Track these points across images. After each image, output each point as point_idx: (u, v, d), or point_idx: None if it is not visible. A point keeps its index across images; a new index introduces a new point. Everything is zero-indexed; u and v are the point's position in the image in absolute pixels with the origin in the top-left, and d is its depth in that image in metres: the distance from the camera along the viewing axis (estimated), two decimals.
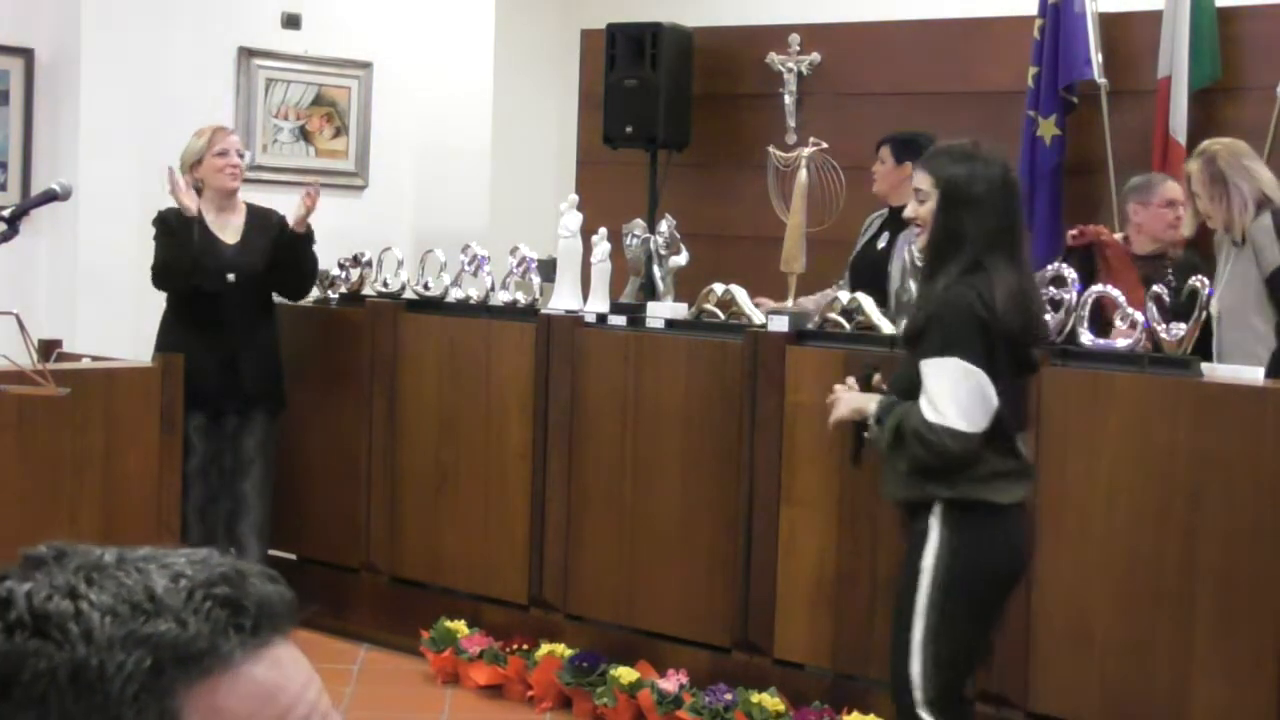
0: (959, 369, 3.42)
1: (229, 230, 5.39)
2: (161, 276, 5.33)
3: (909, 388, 3.54)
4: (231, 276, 5.31)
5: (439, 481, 5.47)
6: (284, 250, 5.40)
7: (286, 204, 5.77)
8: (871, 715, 4.43)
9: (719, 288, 4.93)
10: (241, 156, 5.46)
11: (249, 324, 5.39)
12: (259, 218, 5.46)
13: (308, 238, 5.45)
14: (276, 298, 5.55)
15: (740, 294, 4.92)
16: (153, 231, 5.38)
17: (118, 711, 0.83)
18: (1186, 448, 4.02)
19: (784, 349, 4.68)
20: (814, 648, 4.66)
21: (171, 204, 5.44)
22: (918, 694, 3.51)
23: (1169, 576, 4.05)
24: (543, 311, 5.25)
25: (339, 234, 6.59)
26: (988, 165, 3.56)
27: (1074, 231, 5.46)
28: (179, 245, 5.23)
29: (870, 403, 3.63)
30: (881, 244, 5.55)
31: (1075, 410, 4.19)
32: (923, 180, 3.62)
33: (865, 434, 3.65)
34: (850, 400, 3.70)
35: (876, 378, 3.78)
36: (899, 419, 3.49)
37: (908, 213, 3.68)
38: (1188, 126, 5.98)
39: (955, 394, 3.42)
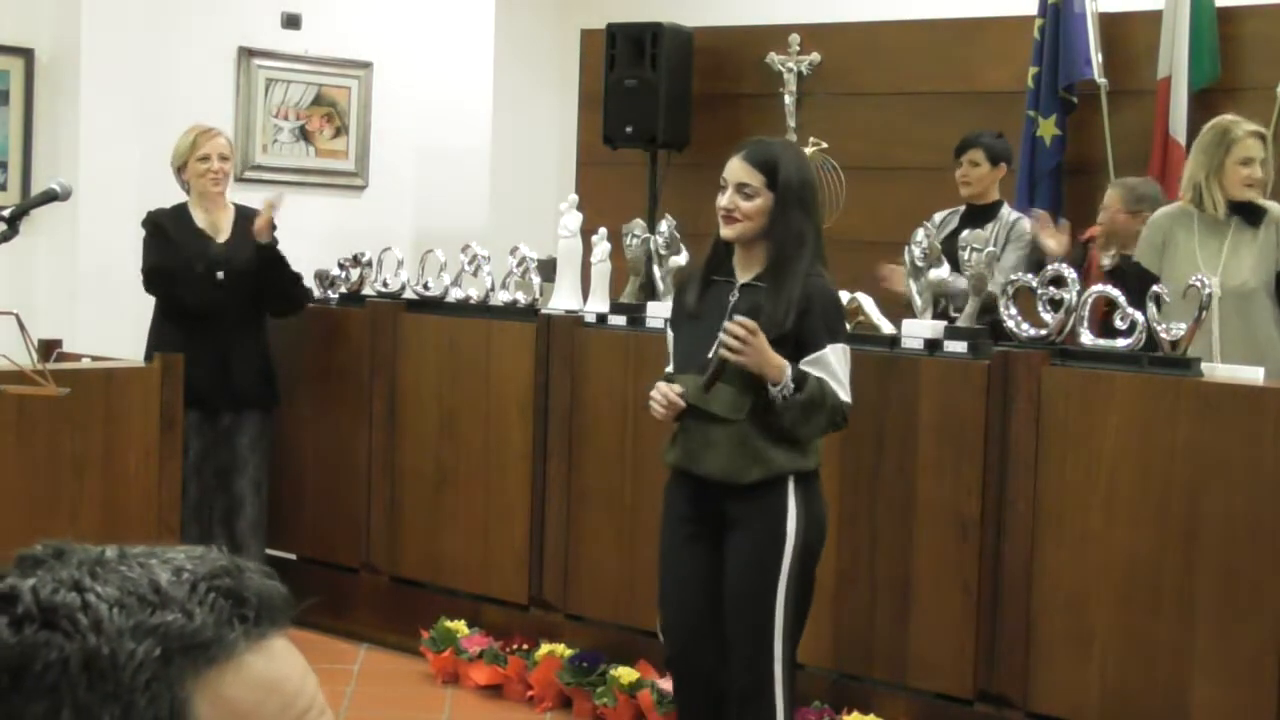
0: (846, 352, 3.75)
1: (217, 229, 5.38)
2: (153, 282, 5.33)
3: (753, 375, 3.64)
4: (220, 274, 5.31)
5: (439, 481, 5.47)
6: (262, 267, 5.36)
7: (286, 204, 5.78)
8: (872, 715, 4.43)
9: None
10: (225, 160, 5.42)
11: (239, 322, 5.37)
12: (248, 217, 5.44)
13: (273, 251, 5.33)
14: None
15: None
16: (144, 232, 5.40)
17: (130, 699, 0.84)
18: (1186, 448, 4.02)
19: None
20: (814, 648, 4.65)
21: (160, 205, 5.44)
22: (779, 661, 3.73)
23: (1169, 576, 4.05)
24: (543, 311, 5.25)
25: (339, 234, 6.60)
26: (810, 168, 3.81)
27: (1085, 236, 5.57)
28: (176, 251, 5.25)
29: (784, 368, 3.63)
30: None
31: (1075, 410, 4.19)
32: (751, 176, 3.71)
33: (771, 394, 3.63)
34: (765, 352, 3.63)
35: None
36: (814, 392, 3.63)
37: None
38: (1188, 126, 5.98)
39: (847, 374, 3.73)
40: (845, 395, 3.69)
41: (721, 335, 3.63)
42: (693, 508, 3.81)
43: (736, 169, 3.73)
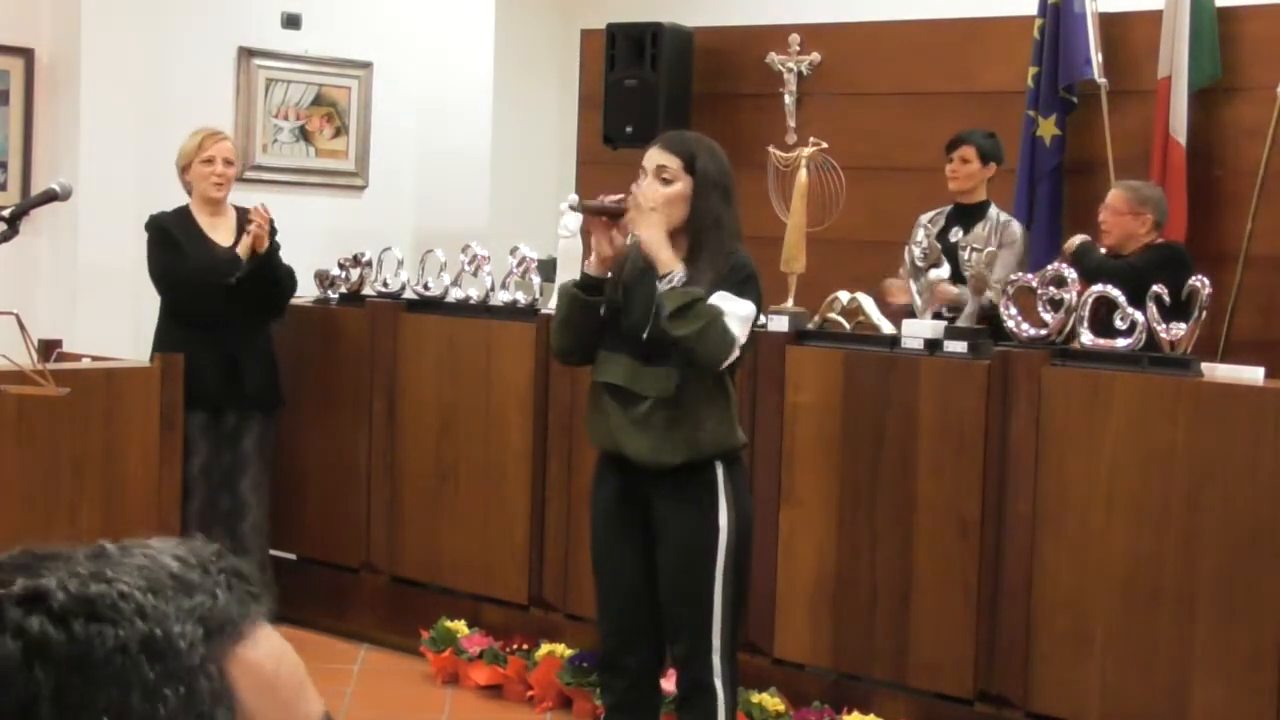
0: (747, 311, 3.62)
1: (220, 232, 5.36)
2: (172, 290, 5.30)
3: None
4: (233, 280, 5.28)
5: (439, 481, 5.47)
6: (264, 271, 5.30)
7: (286, 204, 5.77)
8: (871, 715, 4.43)
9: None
10: (230, 164, 5.37)
11: (246, 325, 5.36)
12: (248, 219, 5.41)
13: (270, 256, 5.27)
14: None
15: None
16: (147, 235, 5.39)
17: (191, 678, 0.86)
18: (1186, 448, 4.02)
19: (784, 349, 4.68)
20: (814, 648, 4.66)
21: (160, 206, 5.43)
22: (717, 653, 3.68)
23: (1169, 576, 4.05)
24: (543, 311, 5.25)
25: (339, 234, 6.59)
26: (726, 159, 3.80)
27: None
28: (189, 258, 5.23)
29: (677, 263, 3.65)
30: (954, 238, 5.60)
31: (1075, 410, 4.19)
32: (670, 160, 3.70)
33: (660, 286, 3.65)
34: (664, 232, 3.66)
35: None
36: (700, 297, 3.57)
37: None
38: (1188, 126, 5.99)
39: (742, 327, 3.60)
40: (736, 330, 3.57)
41: (635, 188, 3.69)
42: (619, 494, 3.77)
43: (654, 155, 3.74)
